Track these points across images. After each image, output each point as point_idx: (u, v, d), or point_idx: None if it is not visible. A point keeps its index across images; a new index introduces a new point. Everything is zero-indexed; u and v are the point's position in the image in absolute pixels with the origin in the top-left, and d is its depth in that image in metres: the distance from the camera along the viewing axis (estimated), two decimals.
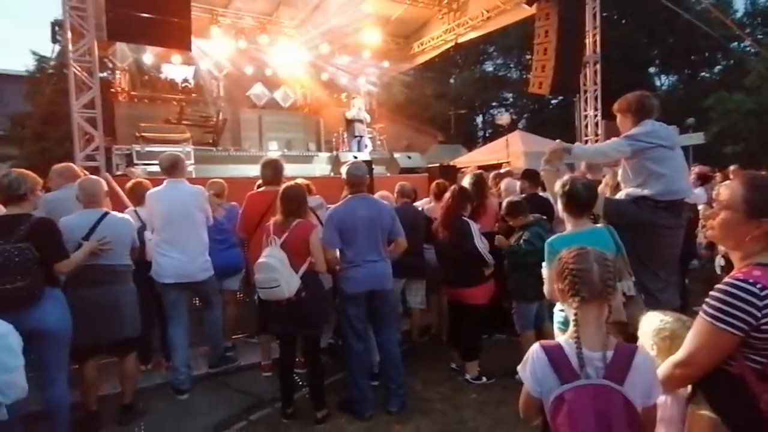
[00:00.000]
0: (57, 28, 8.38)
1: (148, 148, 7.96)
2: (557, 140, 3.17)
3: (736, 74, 21.40)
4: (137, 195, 4.08)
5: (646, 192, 2.95)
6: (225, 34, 10.28)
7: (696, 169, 6.18)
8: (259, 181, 4.17)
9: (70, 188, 3.56)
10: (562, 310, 2.60)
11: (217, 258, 4.01)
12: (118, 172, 7.51)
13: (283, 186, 3.43)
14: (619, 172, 3.24)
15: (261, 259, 3.19)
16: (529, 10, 9.62)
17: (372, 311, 3.49)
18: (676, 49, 24.53)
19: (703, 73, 26.44)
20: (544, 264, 2.62)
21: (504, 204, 4.14)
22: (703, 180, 5.76)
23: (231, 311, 4.59)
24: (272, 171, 3.99)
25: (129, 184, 4.32)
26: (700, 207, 4.75)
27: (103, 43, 7.48)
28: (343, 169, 3.60)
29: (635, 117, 3.00)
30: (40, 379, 2.94)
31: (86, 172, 4.67)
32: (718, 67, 25.92)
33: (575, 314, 1.50)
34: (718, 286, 1.45)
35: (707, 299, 1.46)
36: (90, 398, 3.30)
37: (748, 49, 23.01)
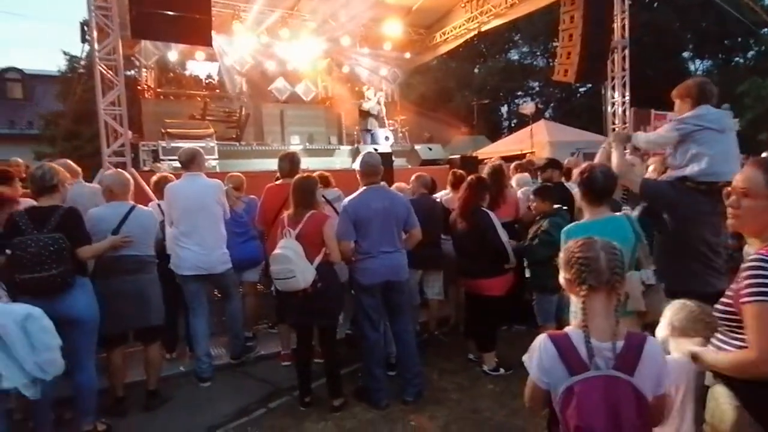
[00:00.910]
0: (85, 28, 8.63)
1: (173, 144, 8.12)
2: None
3: None
4: (162, 189, 4.14)
5: (686, 172, 2.88)
6: (246, 29, 10.39)
7: None
8: (278, 174, 4.22)
9: (78, 184, 3.67)
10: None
11: (236, 250, 4.08)
12: (145, 168, 7.72)
13: (295, 178, 3.47)
14: (668, 158, 3.16)
15: (276, 251, 3.24)
16: None
17: (387, 302, 3.51)
18: (710, 34, 23.38)
19: (737, 59, 25.24)
20: (561, 253, 2.57)
21: (533, 191, 4.05)
22: None
23: (251, 302, 4.68)
24: (289, 164, 4.05)
25: (154, 179, 4.46)
26: None
27: (128, 41, 7.67)
28: (357, 160, 3.60)
29: (694, 102, 2.92)
30: (69, 365, 3.08)
31: (112, 167, 4.84)
32: (752, 52, 24.74)
33: (583, 303, 1.47)
34: (746, 266, 1.41)
35: (744, 286, 1.39)
36: (117, 385, 3.44)
37: None
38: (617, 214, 2.65)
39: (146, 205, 3.87)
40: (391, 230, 3.44)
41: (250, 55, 10.94)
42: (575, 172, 2.69)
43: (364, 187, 3.51)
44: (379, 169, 3.54)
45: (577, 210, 4.31)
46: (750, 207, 1.47)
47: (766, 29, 20.82)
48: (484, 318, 3.94)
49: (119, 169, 3.85)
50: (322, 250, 3.31)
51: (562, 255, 1.65)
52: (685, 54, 25.87)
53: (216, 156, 8.39)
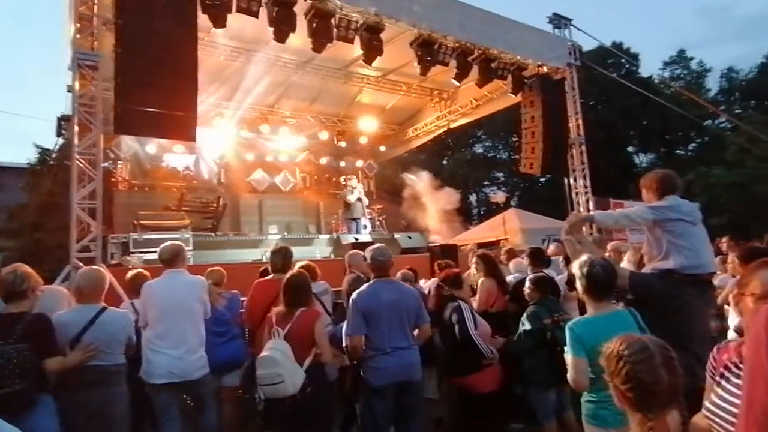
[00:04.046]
0: (63, 123, 8.68)
1: (145, 236, 7.90)
2: (574, 211, 3.18)
3: (713, 149, 22.50)
4: (137, 287, 3.77)
5: (670, 266, 2.91)
6: (228, 124, 10.73)
7: None
8: (263, 268, 4.06)
9: None
10: (589, 401, 2.41)
11: (216, 352, 3.73)
12: (113, 262, 7.37)
13: (288, 275, 3.32)
14: (644, 247, 3.22)
15: (263, 353, 2.99)
16: (514, 98, 10.26)
17: (398, 406, 3.21)
18: (652, 130, 25.98)
19: (678, 151, 27.85)
20: (566, 348, 2.47)
21: (530, 279, 4.00)
22: None
23: (230, 411, 4.21)
24: (282, 258, 3.88)
25: (129, 275, 4.16)
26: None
27: (108, 135, 7.72)
28: (367, 254, 3.53)
29: (658, 193, 3.07)
30: None
31: (80, 264, 4.57)
32: (693, 144, 27.51)
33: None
34: None
35: None
36: None
37: (723, 125, 24.48)
38: (620, 307, 2.60)
39: (117, 305, 3.60)
40: (402, 324, 3.26)
41: (229, 148, 11.19)
42: (573, 267, 2.68)
43: (374, 280, 3.41)
44: (389, 263, 3.46)
45: (562, 298, 4.29)
46: None
47: (709, 120, 23.18)
48: (477, 418, 3.65)
49: (93, 266, 3.61)
50: (313, 350, 3.10)
51: (605, 359, 1.52)
52: (630, 148, 28.34)
53: (191, 247, 8.16)
